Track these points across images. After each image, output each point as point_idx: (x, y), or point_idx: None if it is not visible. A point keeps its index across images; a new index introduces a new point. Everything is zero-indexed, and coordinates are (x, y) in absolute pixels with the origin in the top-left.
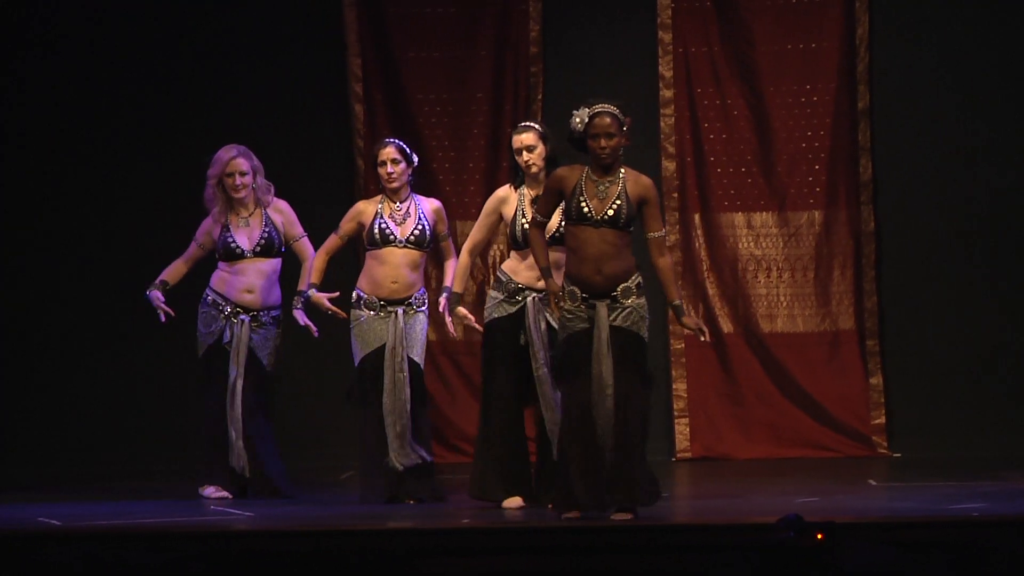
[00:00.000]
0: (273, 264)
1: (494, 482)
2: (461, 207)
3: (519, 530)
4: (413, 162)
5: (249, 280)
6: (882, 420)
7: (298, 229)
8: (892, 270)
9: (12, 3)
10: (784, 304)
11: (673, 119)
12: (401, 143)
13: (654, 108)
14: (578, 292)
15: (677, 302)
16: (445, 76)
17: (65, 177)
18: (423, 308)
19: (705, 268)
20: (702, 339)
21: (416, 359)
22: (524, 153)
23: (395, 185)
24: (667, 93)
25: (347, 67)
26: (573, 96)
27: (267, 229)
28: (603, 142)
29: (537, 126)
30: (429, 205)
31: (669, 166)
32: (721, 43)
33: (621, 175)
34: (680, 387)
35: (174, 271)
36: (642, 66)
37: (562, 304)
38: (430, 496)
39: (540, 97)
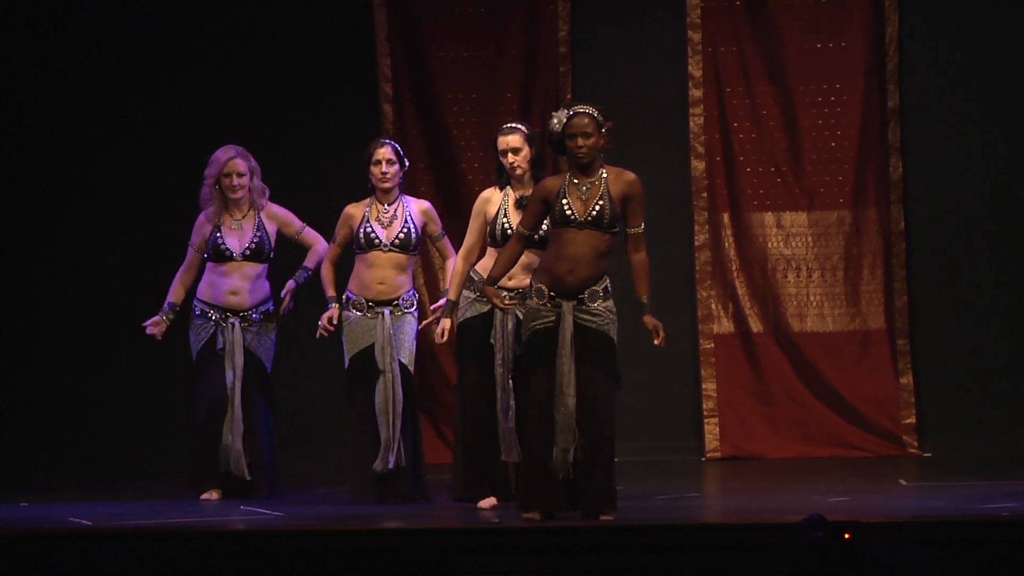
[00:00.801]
0: (259, 269)
1: (473, 482)
2: None
3: (538, 530)
4: (405, 165)
5: (234, 283)
6: (912, 420)
7: (296, 224)
8: (922, 269)
9: None
10: (814, 303)
11: (702, 119)
12: (396, 144)
13: (683, 108)
14: (545, 290)
15: (644, 300)
16: (474, 76)
17: (85, 179)
18: (411, 310)
19: (735, 268)
20: (655, 342)
21: (404, 361)
22: (509, 155)
23: (387, 185)
24: (696, 93)
25: (376, 67)
26: (602, 96)
27: (259, 233)
28: (580, 141)
29: (524, 128)
30: (417, 207)
31: (698, 166)
32: (750, 42)
33: (603, 175)
34: (710, 387)
35: (177, 291)
36: (671, 66)
37: (529, 301)
38: (419, 496)
39: (569, 97)
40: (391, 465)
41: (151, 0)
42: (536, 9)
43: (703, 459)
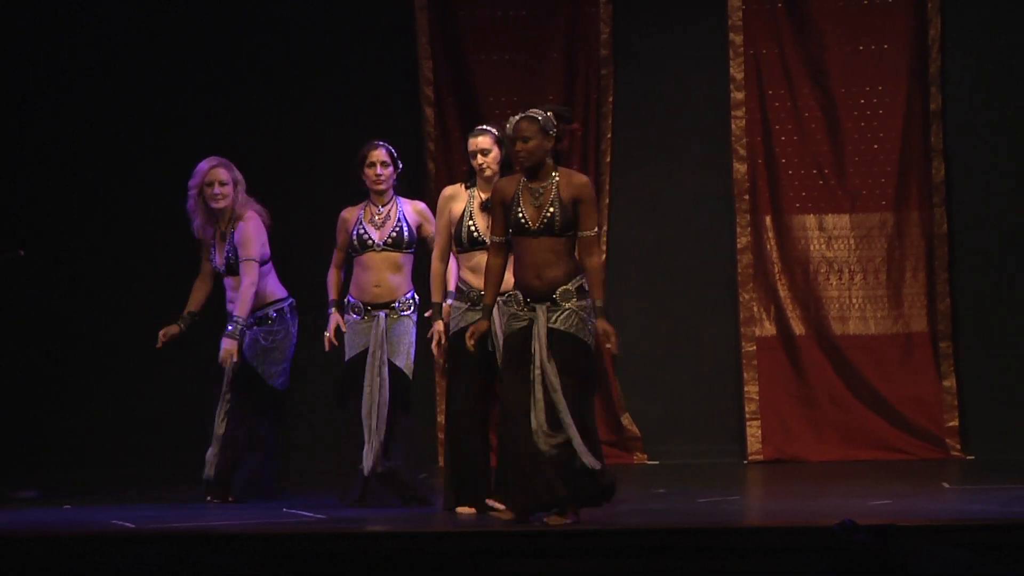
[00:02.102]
0: (239, 280)
1: (462, 491)
2: None
3: (572, 533)
4: (399, 167)
5: (229, 295)
6: (955, 422)
7: (245, 251)
8: (965, 272)
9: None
10: (856, 306)
11: (744, 121)
12: (390, 147)
13: (725, 110)
14: (520, 296)
15: (599, 303)
16: (516, 79)
17: (124, 183)
18: (407, 312)
19: (777, 270)
20: (607, 346)
21: (399, 365)
22: (479, 156)
23: (382, 187)
24: (738, 95)
25: (418, 70)
26: (644, 98)
27: (228, 247)
28: (518, 146)
29: (493, 130)
30: (411, 207)
31: (740, 168)
32: (792, 45)
33: (555, 178)
34: (752, 389)
35: (197, 297)
36: (713, 68)
37: (507, 308)
38: (412, 500)
39: (611, 99)
40: (375, 468)
41: (190, 5)
42: (577, 12)
43: (745, 462)
